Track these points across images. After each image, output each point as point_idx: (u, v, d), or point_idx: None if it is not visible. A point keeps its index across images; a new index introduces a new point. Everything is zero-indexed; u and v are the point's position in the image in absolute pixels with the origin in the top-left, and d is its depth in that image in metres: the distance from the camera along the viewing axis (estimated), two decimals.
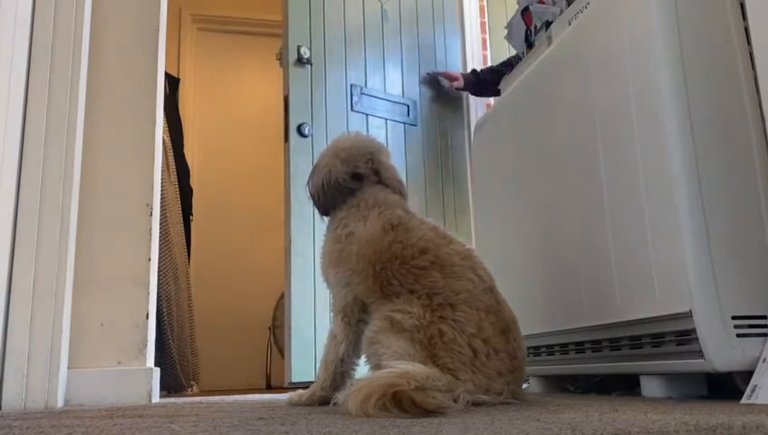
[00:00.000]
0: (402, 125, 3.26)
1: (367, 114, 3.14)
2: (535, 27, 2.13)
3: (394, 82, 3.37)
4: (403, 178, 1.63)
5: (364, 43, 3.30)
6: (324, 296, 2.74)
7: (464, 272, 1.30)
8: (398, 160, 2.10)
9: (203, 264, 3.97)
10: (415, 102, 3.39)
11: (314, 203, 1.58)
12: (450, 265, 1.30)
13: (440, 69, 3.54)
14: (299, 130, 2.90)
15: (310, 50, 3.04)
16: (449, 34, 3.69)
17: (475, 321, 1.22)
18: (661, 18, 1.38)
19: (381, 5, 3.45)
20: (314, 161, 1.65)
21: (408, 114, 3.30)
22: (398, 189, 1.55)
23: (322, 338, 2.78)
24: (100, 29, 1.93)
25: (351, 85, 3.19)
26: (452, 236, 1.41)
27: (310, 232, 2.79)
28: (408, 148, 3.24)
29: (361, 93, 3.18)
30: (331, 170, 1.52)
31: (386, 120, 3.20)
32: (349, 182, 1.51)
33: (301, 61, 3.01)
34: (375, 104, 3.19)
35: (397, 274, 1.30)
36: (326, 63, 3.12)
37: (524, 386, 1.34)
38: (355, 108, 3.10)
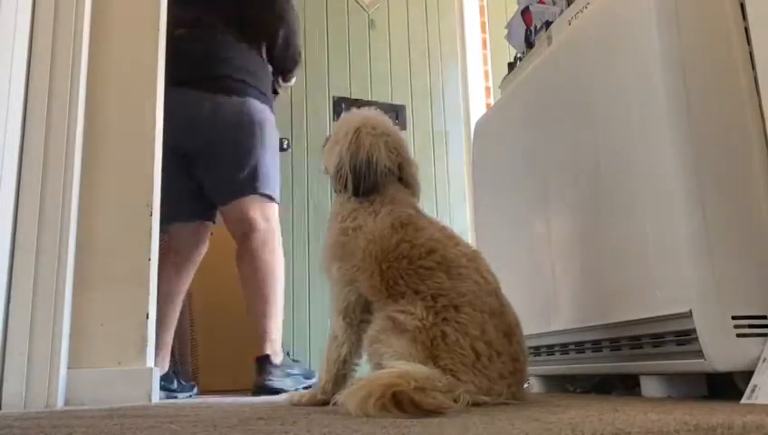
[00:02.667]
0: None
1: None
2: (535, 27, 2.13)
3: (380, 88, 3.42)
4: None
5: (348, 53, 3.33)
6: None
7: (470, 274, 1.29)
8: None
9: (203, 263, 3.97)
10: (403, 107, 3.44)
11: (350, 178, 1.43)
12: (456, 266, 1.29)
13: (435, 72, 3.53)
14: (279, 145, 2.98)
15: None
16: (445, 35, 3.70)
17: (478, 323, 1.22)
18: (661, 18, 1.38)
19: (368, 15, 3.46)
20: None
21: (397, 118, 3.33)
22: (415, 189, 1.52)
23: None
24: (101, 29, 1.93)
25: (334, 97, 3.23)
26: (459, 237, 1.41)
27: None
28: None
29: (344, 103, 3.22)
30: (378, 157, 1.43)
31: None
32: (388, 175, 1.45)
33: None
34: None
35: (403, 273, 1.29)
36: (306, 80, 3.15)
37: (524, 386, 1.33)
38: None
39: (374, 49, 3.47)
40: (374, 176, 1.42)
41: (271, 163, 2.52)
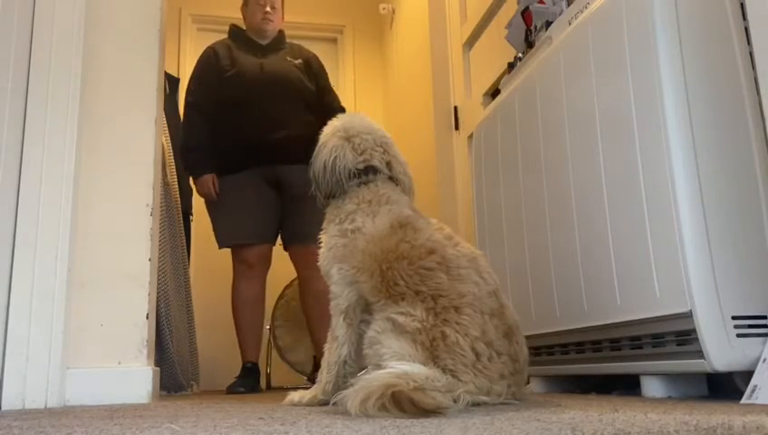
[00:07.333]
0: None
1: None
2: (535, 27, 2.13)
3: None
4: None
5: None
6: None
7: (470, 274, 1.28)
8: None
9: (203, 264, 3.97)
10: None
11: (314, 187, 1.51)
12: (456, 266, 1.29)
13: None
14: None
15: None
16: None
17: (479, 324, 1.22)
18: (661, 18, 1.38)
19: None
20: None
21: None
22: (409, 187, 1.53)
23: None
24: (100, 28, 1.93)
25: None
26: (458, 237, 1.41)
27: None
28: None
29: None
30: (339, 156, 1.45)
31: None
32: (360, 177, 1.46)
33: None
34: None
35: (404, 274, 1.28)
36: None
37: (524, 386, 1.33)
38: None
39: None
40: (331, 178, 1.45)
41: None
